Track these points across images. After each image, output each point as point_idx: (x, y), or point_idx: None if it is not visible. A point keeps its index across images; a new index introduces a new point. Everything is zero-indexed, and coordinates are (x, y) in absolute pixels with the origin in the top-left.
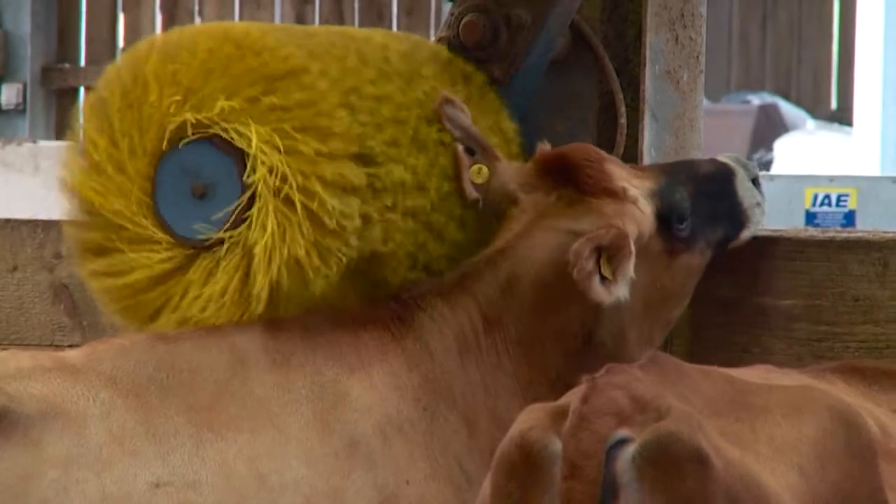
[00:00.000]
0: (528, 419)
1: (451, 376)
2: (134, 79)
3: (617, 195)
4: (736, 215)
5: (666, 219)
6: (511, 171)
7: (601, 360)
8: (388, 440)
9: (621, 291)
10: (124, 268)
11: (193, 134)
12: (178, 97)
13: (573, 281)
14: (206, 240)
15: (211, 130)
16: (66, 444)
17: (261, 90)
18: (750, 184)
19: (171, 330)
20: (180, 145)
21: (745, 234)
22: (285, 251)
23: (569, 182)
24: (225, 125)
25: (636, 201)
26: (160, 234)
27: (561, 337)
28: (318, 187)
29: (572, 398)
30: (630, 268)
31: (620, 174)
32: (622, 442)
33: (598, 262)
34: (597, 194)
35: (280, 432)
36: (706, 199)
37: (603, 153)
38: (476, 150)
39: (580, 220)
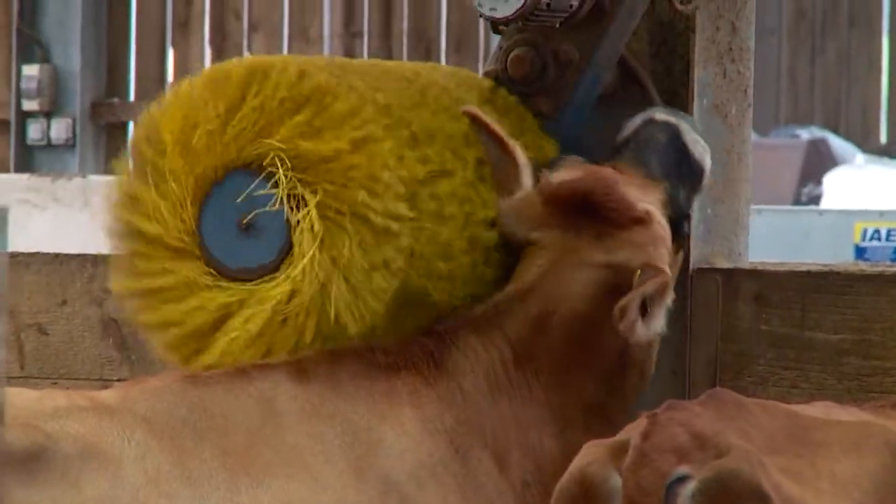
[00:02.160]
0: (588, 454)
1: (483, 416)
2: (192, 105)
3: (643, 221)
4: (693, 168)
5: (676, 223)
6: (515, 211)
7: (630, 377)
8: (422, 486)
9: (660, 326)
10: (162, 291)
11: (246, 167)
12: (235, 129)
13: (611, 314)
14: (248, 274)
15: (264, 165)
16: (104, 484)
17: (318, 133)
18: (693, 133)
19: (202, 369)
20: (231, 176)
21: (705, 181)
22: (327, 296)
23: (590, 216)
24: (278, 163)
25: (660, 221)
26: (201, 259)
27: (595, 363)
28: (364, 236)
29: (632, 434)
30: (669, 302)
31: (635, 194)
32: (682, 479)
33: (642, 309)
34: (625, 225)
35: (314, 479)
36: (672, 168)
37: (612, 176)
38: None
39: (616, 252)
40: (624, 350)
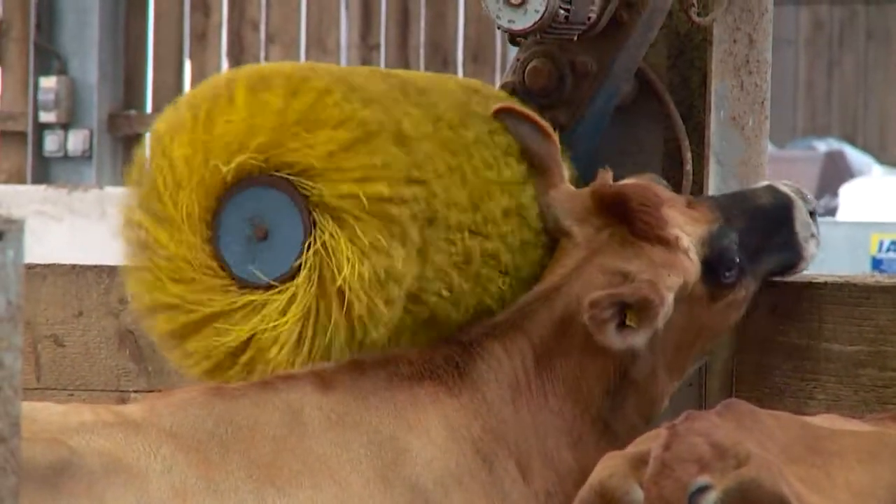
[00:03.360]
0: (608, 466)
1: (507, 424)
2: (207, 113)
3: (669, 244)
4: (791, 247)
5: (713, 265)
6: (565, 201)
7: (632, 397)
8: (448, 493)
9: (638, 341)
10: (179, 304)
11: (263, 177)
12: (252, 139)
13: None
14: (263, 284)
15: (280, 176)
16: (130, 499)
17: (336, 147)
18: (807, 216)
19: (226, 383)
20: (247, 187)
21: (800, 267)
22: (342, 308)
23: (624, 222)
24: (297, 176)
25: (687, 251)
26: (217, 271)
27: (602, 375)
28: (378, 252)
29: (652, 445)
30: (658, 323)
31: (676, 220)
32: (704, 489)
33: (620, 312)
34: (650, 240)
35: (341, 489)
36: (760, 233)
37: (663, 194)
38: (535, 170)
39: (630, 262)
40: (625, 366)
